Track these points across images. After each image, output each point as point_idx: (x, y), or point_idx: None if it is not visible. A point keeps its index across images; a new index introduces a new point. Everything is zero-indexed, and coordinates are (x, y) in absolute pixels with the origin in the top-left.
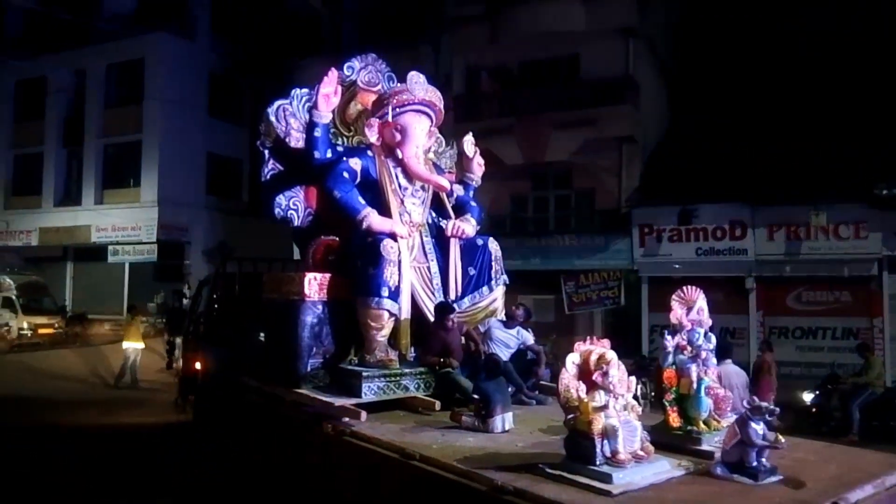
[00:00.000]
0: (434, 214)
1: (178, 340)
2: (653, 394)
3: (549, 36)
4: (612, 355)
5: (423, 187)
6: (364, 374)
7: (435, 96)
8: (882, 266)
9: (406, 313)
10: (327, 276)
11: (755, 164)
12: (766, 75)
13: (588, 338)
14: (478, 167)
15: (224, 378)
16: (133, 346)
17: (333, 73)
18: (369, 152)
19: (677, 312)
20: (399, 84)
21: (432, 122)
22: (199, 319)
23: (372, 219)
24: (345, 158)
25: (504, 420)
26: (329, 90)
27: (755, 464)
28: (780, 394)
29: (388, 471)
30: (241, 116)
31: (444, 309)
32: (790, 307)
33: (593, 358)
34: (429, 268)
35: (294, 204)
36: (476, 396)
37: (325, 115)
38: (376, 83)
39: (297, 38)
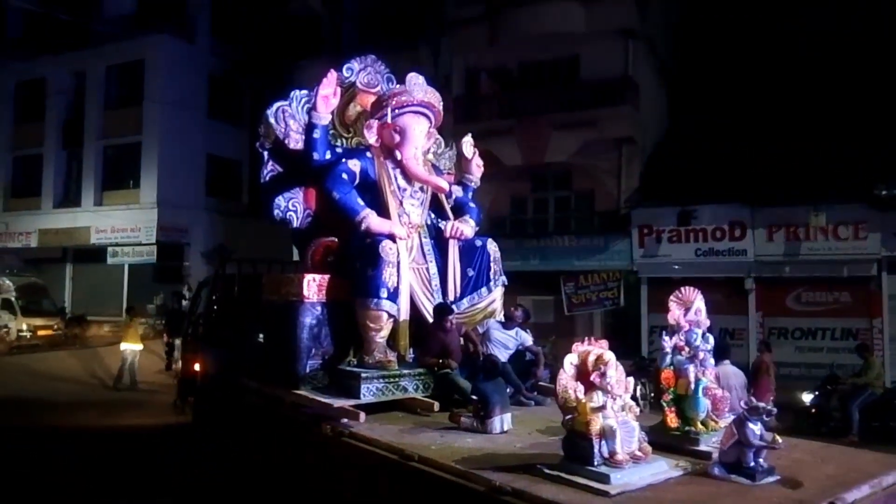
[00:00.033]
0: (433, 215)
1: (178, 342)
2: (652, 395)
3: (549, 37)
4: (609, 356)
5: (421, 188)
6: (363, 375)
7: (434, 98)
8: (881, 266)
9: (405, 314)
10: (326, 277)
11: (755, 165)
12: (765, 76)
13: (586, 339)
14: (476, 168)
15: (223, 379)
16: (131, 347)
17: (332, 75)
18: (368, 153)
19: (675, 313)
20: (398, 85)
21: (431, 123)
22: (199, 321)
23: (371, 220)
24: (344, 160)
25: (502, 421)
26: (328, 92)
27: (752, 464)
28: (779, 394)
29: (387, 472)
30: (241, 118)
31: (442, 310)
32: (790, 308)
33: (591, 359)
34: (427, 269)
35: (293, 205)
36: (475, 397)
37: (324, 117)
38: (375, 84)
39: (296, 40)
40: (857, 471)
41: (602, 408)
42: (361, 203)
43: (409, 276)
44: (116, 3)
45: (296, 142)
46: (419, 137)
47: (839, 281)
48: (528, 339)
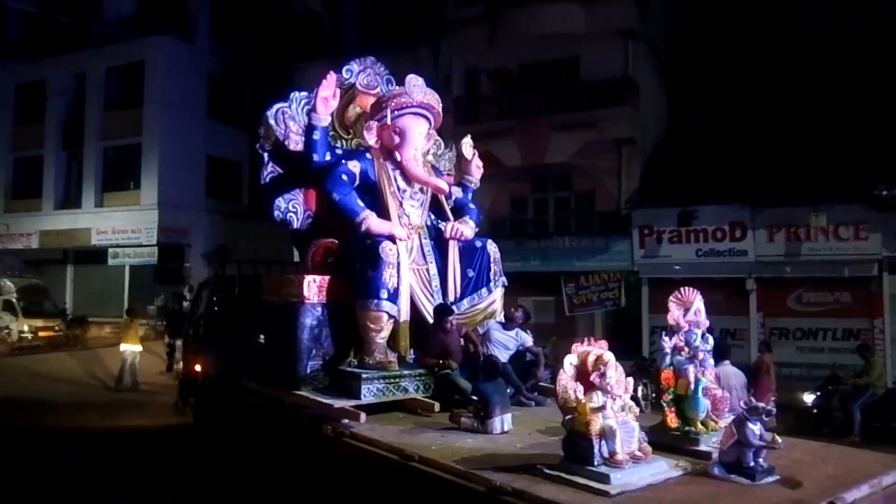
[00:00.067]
0: (433, 216)
1: (179, 343)
2: (653, 395)
3: (549, 38)
4: (609, 356)
5: (421, 189)
6: (363, 375)
7: (433, 99)
8: (882, 267)
9: (405, 315)
10: (326, 278)
11: (755, 165)
12: (765, 76)
13: (586, 339)
14: (476, 169)
15: (224, 380)
16: (131, 348)
17: (332, 77)
18: (368, 155)
19: (674, 313)
20: (397, 87)
21: (431, 124)
22: (199, 322)
23: (371, 221)
24: (343, 161)
25: (503, 421)
26: (328, 93)
27: (752, 464)
28: (780, 395)
29: (388, 472)
30: (241, 119)
31: (442, 311)
32: (790, 308)
33: (591, 359)
34: (428, 270)
35: (293, 206)
36: (475, 398)
37: (323, 118)
38: (375, 86)
39: (296, 41)
40: (857, 471)
41: (602, 408)
42: (361, 204)
43: (409, 277)
44: (116, 5)
45: (296, 143)
46: (419, 139)
47: (840, 281)
48: (528, 339)
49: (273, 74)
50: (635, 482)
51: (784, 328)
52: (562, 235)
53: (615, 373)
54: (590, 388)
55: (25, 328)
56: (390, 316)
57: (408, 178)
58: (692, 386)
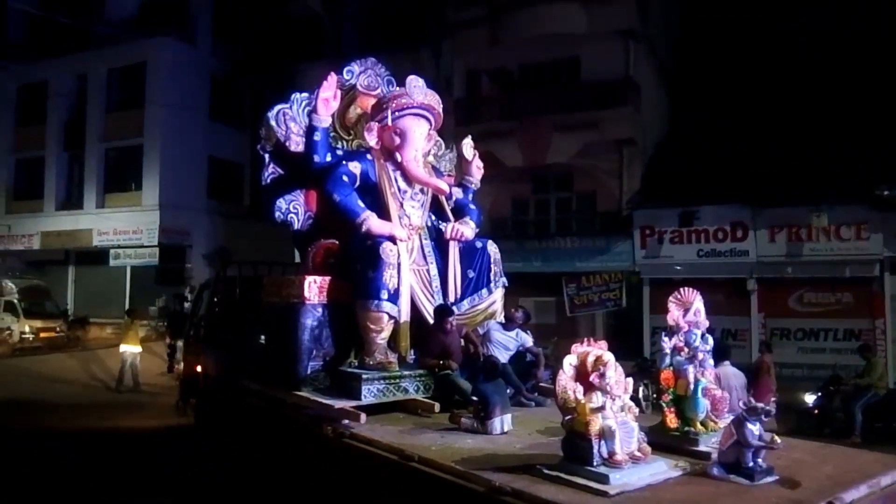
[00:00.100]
0: (433, 217)
1: (180, 344)
2: (654, 396)
3: (550, 39)
4: (608, 357)
5: (422, 190)
6: (364, 376)
7: (434, 100)
8: (883, 267)
9: (405, 316)
10: (327, 279)
11: (756, 166)
12: (766, 76)
13: (585, 340)
14: (477, 170)
15: (225, 381)
16: (130, 349)
17: (333, 78)
18: (369, 156)
19: (674, 314)
20: (398, 88)
21: (431, 125)
22: (200, 323)
23: (371, 222)
24: (344, 162)
25: (503, 422)
26: (328, 94)
27: (751, 464)
28: (782, 396)
29: (388, 472)
30: (243, 120)
31: (443, 311)
32: (792, 308)
33: (590, 359)
34: (428, 270)
35: (294, 207)
36: (475, 398)
37: (324, 119)
38: (375, 87)
39: (297, 42)
40: (856, 471)
41: (601, 408)
42: (362, 205)
43: (409, 278)
44: (118, 6)
45: (296, 144)
46: (419, 140)
47: (841, 282)
48: (528, 340)
49: (274, 75)
50: (634, 482)
51: (785, 328)
52: (563, 236)
53: (615, 373)
54: (589, 388)
55: (27, 329)
56: (391, 316)
57: (408, 178)
58: (692, 386)
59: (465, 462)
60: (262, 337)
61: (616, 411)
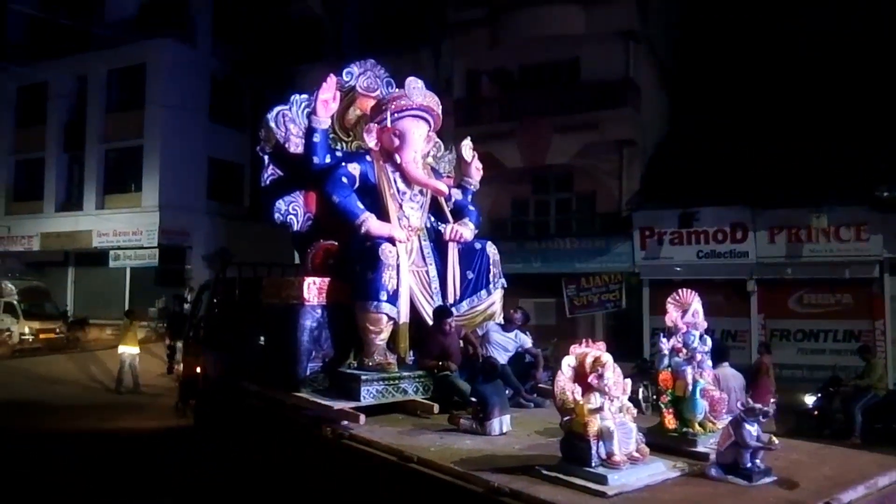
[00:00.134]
0: (432, 218)
1: (179, 345)
2: (654, 397)
3: (550, 39)
4: (607, 358)
5: (421, 192)
6: (363, 377)
7: (433, 101)
8: (883, 268)
9: (404, 317)
10: (326, 280)
11: (756, 167)
12: (766, 77)
13: (584, 341)
14: (476, 171)
15: (224, 382)
16: (129, 350)
17: (332, 79)
18: (368, 157)
19: (673, 315)
20: (397, 89)
21: (430, 127)
22: (200, 324)
23: (370, 223)
24: (343, 163)
25: (501, 423)
26: (328, 96)
27: (749, 465)
28: (781, 397)
29: (387, 473)
30: (243, 121)
31: (442, 312)
32: (791, 310)
33: (589, 361)
34: (427, 272)
35: (293, 208)
36: (474, 399)
37: (324, 121)
38: (375, 88)
39: (297, 43)
40: (854, 472)
41: (599, 409)
42: (361, 206)
43: (408, 279)
44: (118, 7)
45: (296, 146)
46: (418, 141)
47: (841, 283)
48: (527, 341)
49: (274, 76)
50: (633, 483)
51: (785, 330)
52: (563, 237)
53: (613, 374)
54: (588, 389)
55: (26, 330)
56: (390, 318)
57: (407, 180)
58: (690, 387)
59: (463, 463)
60: (262, 338)
61: (614, 412)
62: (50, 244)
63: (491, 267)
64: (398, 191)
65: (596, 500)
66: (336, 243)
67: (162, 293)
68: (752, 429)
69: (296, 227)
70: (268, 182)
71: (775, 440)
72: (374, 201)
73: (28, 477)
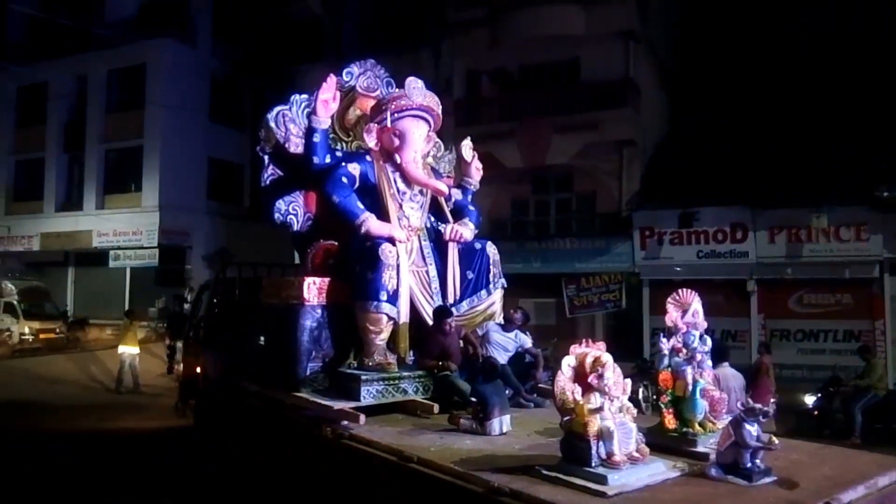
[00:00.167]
0: (432, 219)
1: (179, 345)
2: (654, 397)
3: (550, 40)
4: (607, 358)
5: (421, 192)
6: (363, 377)
7: (433, 101)
8: (883, 268)
9: (404, 317)
10: (326, 280)
11: (756, 167)
12: (766, 77)
13: (584, 341)
14: (476, 171)
15: (224, 382)
16: (129, 350)
17: (332, 79)
18: (368, 157)
19: (672, 315)
20: (397, 89)
21: (430, 127)
22: (200, 324)
23: (370, 223)
24: (343, 163)
25: (501, 423)
26: (328, 96)
27: (749, 465)
28: (781, 397)
29: (387, 473)
30: (243, 121)
31: (442, 312)
32: (791, 310)
33: (588, 361)
34: (427, 272)
35: (293, 209)
36: (474, 399)
37: (323, 121)
38: (375, 89)
39: (297, 43)
40: (854, 472)
41: (599, 409)
42: (361, 206)
43: (408, 279)
44: (118, 7)
45: (296, 146)
46: (418, 141)
47: (841, 283)
48: (527, 341)
49: (274, 76)
50: (632, 483)
51: (785, 330)
52: (563, 237)
53: (613, 374)
54: (588, 389)
55: (26, 330)
56: (390, 318)
57: (407, 180)
58: (690, 387)
59: (463, 463)
60: (262, 338)
61: (614, 412)
62: (50, 244)
63: (491, 267)
64: (398, 191)
65: (596, 500)
66: (336, 243)
67: (162, 293)
68: (751, 429)
69: (296, 227)
70: (268, 182)
71: (775, 440)
72: (374, 201)
73: (28, 477)
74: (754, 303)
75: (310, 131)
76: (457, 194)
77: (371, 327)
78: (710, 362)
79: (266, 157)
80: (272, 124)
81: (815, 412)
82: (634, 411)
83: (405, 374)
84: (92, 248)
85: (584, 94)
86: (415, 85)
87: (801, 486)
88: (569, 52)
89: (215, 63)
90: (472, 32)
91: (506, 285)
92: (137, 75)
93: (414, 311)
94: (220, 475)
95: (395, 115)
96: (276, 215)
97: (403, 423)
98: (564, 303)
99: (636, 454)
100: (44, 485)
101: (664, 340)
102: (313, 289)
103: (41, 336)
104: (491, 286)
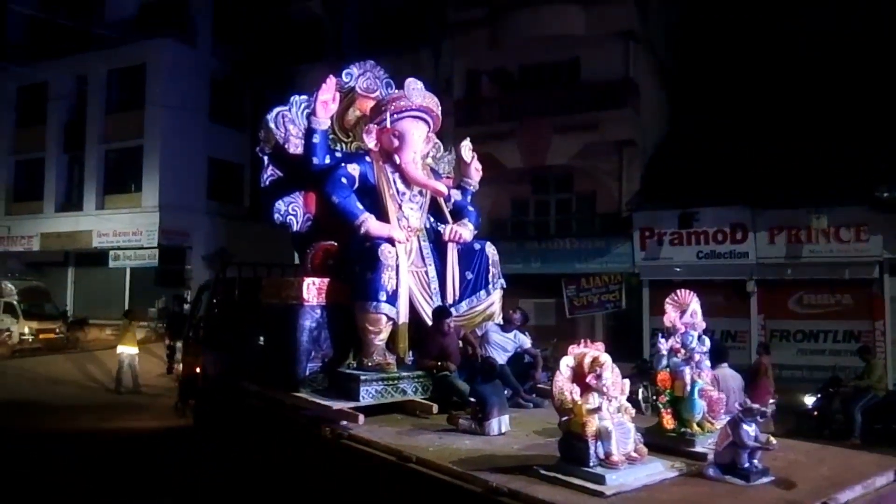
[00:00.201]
0: (432, 219)
1: (179, 345)
2: (654, 398)
3: (550, 40)
4: (605, 358)
5: (420, 192)
6: (362, 377)
7: (432, 102)
8: (883, 269)
9: (404, 317)
10: (326, 280)
11: (756, 167)
12: (766, 77)
13: (582, 341)
14: (475, 172)
15: (224, 382)
16: (127, 350)
17: (331, 80)
18: (367, 158)
19: (671, 315)
20: (397, 90)
21: (430, 127)
22: (200, 324)
23: (370, 224)
24: (343, 164)
25: (500, 423)
26: (327, 97)
27: (747, 465)
28: (781, 397)
29: (386, 473)
30: (243, 121)
31: (441, 313)
32: (791, 310)
33: (587, 361)
34: (426, 272)
35: (293, 209)
36: (473, 399)
37: (323, 122)
38: (374, 89)
39: (298, 43)
40: (852, 472)
41: (598, 409)
42: (360, 207)
43: (407, 280)
44: (118, 7)
45: (295, 146)
46: (418, 142)
47: (841, 283)
48: (526, 341)
49: (274, 77)
50: (630, 483)
51: (785, 330)
52: (563, 237)
53: (611, 374)
54: (586, 389)
55: (26, 330)
56: (389, 318)
57: (407, 180)
58: (688, 388)
59: (462, 463)
60: (261, 338)
61: (612, 412)
62: (50, 244)
63: (490, 267)
64: (397, 191)
65: (594, 500)
66: (335, 244)
67: (162, 293)
68: (749, 429)
69: (295, 228)
70: (267, 182)
71: (773, 440)
72: (374, 202)
73: (28, 477)
74: (754, 303)
75: (309, 132)
76: (456, 195)
77: (370, 327)
78: (708, 362)
79: (266, 158)
80: (272, 125)
81: (815, 413)
82: (633, 411)
83: (404, 374)
84: (92, 249)
85: (584, 94)
86: (414, 86)
87: (798, 485)
88: (569, 53)
89: (215, 63)
90: (471, 32)
91: (505, 286)
92: (137, 75)
93: (413, 311)
94: (219, 475)
95: (395, 115)
96: (276, 216)
97: (402, 424)
98: (564, 303)
99: (634, 454)
100: (44, 485)
101: (663, 341)
102: (313, 289)
103: (41, 336)
104: (490, 286)
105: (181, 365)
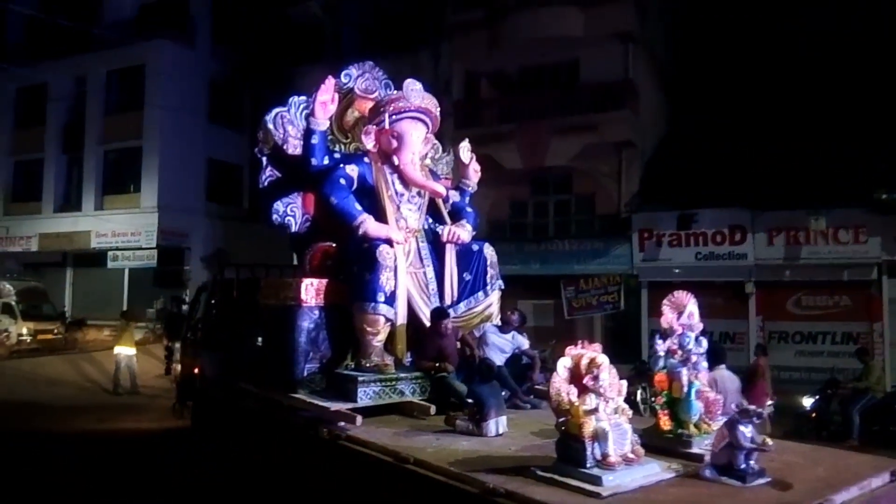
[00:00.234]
0: (430, 220)
1: (177, 346)
2: (652, 399)
3: (549, 41)
4: (602, 359)
5: (419, 193)
6: (360, 378)
7: (431, 103)
8: (882, 270)
9: (402, 318)
10: (324, 281)
11: (755, 169)
12: (765, 78)
13: (580, 342)
14: (474, 173)
15: (222, 383)
16: (125, 351)
17: (330, 81)
18: (366, 159)
19: (668, 317)
20: (396, 91)
21: (428, 128)
22: (198, 325)
23: (368, 225)
24: (342, 165)
25: (498, 424)
26: (326, 98)
27: (743, 466)
28: (780, 399)
29: (383, 474)
30: (242, 123)
31: (439, 314)
32: (790, 312)
33: (584, 362)
34: (425, 273)
35: (291, 210)
36: (470, 401)
37: (322, 123)
38: (373, 90)
39: (297, 45)
40: (848, 473)
41: (595, 410)
42: (359, 208)
43: (406, 281)
44: (117, 9)
45: (294, 147)
46: (416, 143)
47: (839, 285)
48: (524, 342)
49: (273, 78)
50: (627, 484)
51: (783, 332)
52: (561, 239)
53: (608, 375)
54: (583, 390)
55: (24, 331)
56: (387, 319)
57: (405, 181)
58: (685, 389)
59: (459, 464)
60: (259, 339)
61: (609, 413)
62: (48, 245)
63: (488, 268)
64: (396, 192)
65: (591, 501)
66: (334, 245)
67: (160, 294)
68: (746, 430)
69: (294, 229)
70: (266, 184)
71: (769, 441)
72: (372, 203)
73: (27, 477)
74: (753, 305)
75: (308, 133)
76: (455, 196)
77: (368, 328)
78: (705, 364)
79: (264, 159)
80: (270, 126)
81: (814, 414)
82: (630, 412)
83: (402, 375)
84: (90, 249)
85: (583, 95)
86: (413, 87)
87: (794, 486)
88: (567, 54)
89: (214, 64)
90: (471, 34)
91: (503, 287)
92: (136, 76)
93: (411, 312)
94: (217, 476)
95: (394, 116)
96: (275, 217)
97: (400, 425)
98: (563, 304)
99: (631, 455)
100: (43, 485)
101: (660, 342)
102: (311, 290)
103: (39, 337)
104: (488, 288)
105: (179, 366)
